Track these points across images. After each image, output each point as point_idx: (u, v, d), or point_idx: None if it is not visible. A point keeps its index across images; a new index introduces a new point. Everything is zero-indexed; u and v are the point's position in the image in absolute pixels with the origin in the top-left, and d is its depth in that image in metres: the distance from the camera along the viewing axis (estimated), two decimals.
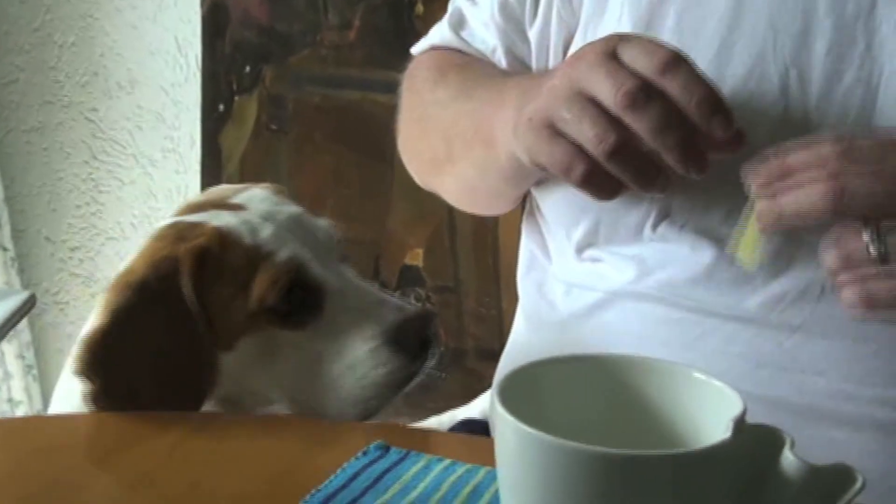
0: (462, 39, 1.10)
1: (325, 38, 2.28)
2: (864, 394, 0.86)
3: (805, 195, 0.74)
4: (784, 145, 0.76)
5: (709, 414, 0.57)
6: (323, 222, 0.97)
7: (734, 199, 0.88)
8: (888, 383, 0.86)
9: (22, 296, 0.69)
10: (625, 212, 0.93)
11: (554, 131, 0.81)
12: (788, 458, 0.54)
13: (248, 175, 2.34)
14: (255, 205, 0.95)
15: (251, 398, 0.93)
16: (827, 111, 0.87)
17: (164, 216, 2.44)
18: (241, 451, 0.80)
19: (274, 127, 2.33)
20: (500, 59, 1.05)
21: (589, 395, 0.61)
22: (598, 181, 0.80)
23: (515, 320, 1.09)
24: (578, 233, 0.97)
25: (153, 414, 0.91)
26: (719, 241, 0.89)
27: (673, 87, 0.76)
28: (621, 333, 0.93)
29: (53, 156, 2.50)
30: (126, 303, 0.87)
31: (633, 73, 0.77)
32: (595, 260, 0.97)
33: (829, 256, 0.75)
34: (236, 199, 0.96)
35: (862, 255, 0.73)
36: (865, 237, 0.73)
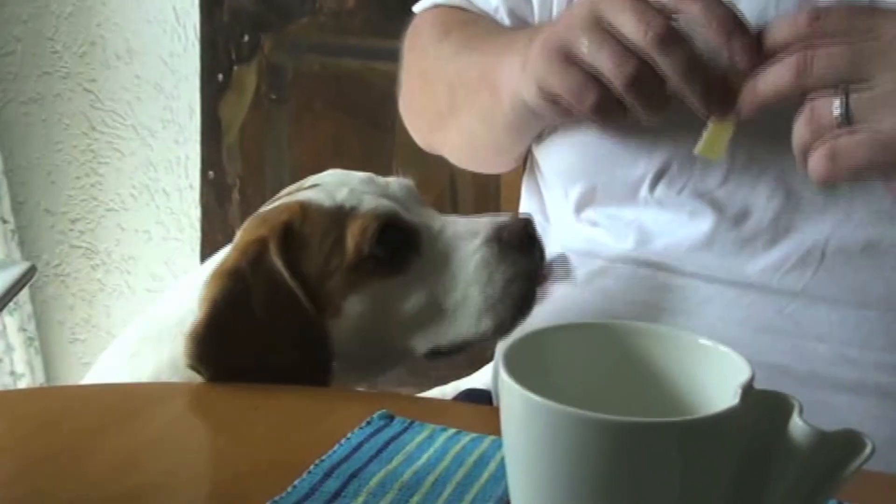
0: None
1: (324, 5, 2.27)
2: (866, 359, 0.86)
3: (775, 72, 0.75)
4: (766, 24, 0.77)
5: (716, 380, 0.57)
6: (394, 178, 0.97)
7: (731, 161, 0.88)
8: (890, 348, 0.86)
9: (22, 266, 0.68)
10: (622, 171, 0.93)
11: (568, 59, 0.81)
12: (797, 424, 0.54)
13: (247, 144, 2.33)
14: (326, 179, 0.95)
15: (371, 364, 0.93)
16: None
17: (164, 186, 2.43)
18: (244, 421, 0.79)
19: (273, 96, 2.32)
20: (503, 18, 1.05)
21: (595, 362, 0.61)
22: (609, 109, 0.81)
23: None
24: (576, 192, 0.97)
25: (154, 384, 0.90)
26: (718, 207, 0.89)
27: (694, 10, 0.78)
28: (621, 300, 0.93)
29: (52, 127, 2.49)
30: (223, 291, 0.86)
31: (659, 10, 0.78)
32: (594, 224, 0.97)
33: (799, 130, 0.75)
34: (309, 182, 0.96)
35: (829, 122, 0.74)
36: (834, 104, 0.73)
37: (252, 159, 2.34)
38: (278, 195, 0.97)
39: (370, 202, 0.91)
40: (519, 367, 0.55)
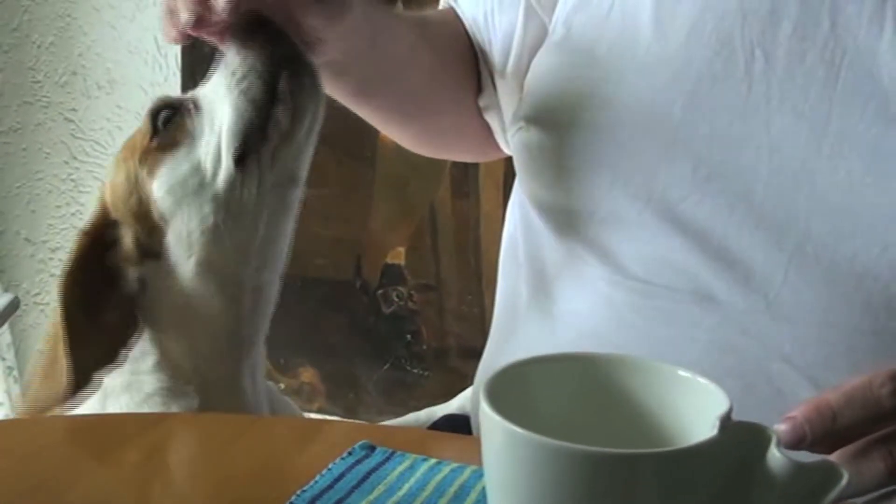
0: None
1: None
2: (828, 380, 0.86)
3: (863, 474, 0.62)
4: (831, 389, 0.64)
5: (695, 412, 0.57)
6: None
7: (692, 178, 0.89)
8: (851, 369, 0.86)
9: (5, 299, 0.68)
10: (580, 187, 0.94)
11: None
12: (775, 456, 0.54)
13: None
14: None
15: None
16: (789, 91, 0.88)
17: None
18: (224, 452, 0.79)
19: None
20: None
21: (575, 394, 0.61)
22: None
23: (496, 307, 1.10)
24: (542, 209, 0.99)
25: (135, 414, 0.90)
26: (680, 225, 0.90)
27: None
28: (589, 321, 0.93)
29: (32, 156, 2.49)
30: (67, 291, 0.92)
31: None
32: (565, 245, 0.98)
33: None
34: None
35: None
36: None
37: None
38: None
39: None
40: (500, 398, 0.55)
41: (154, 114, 0.97)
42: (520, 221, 1.04)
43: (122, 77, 2.42)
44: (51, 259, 2.52)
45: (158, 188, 0.94)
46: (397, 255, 2.27)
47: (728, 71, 0.89)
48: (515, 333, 1.02)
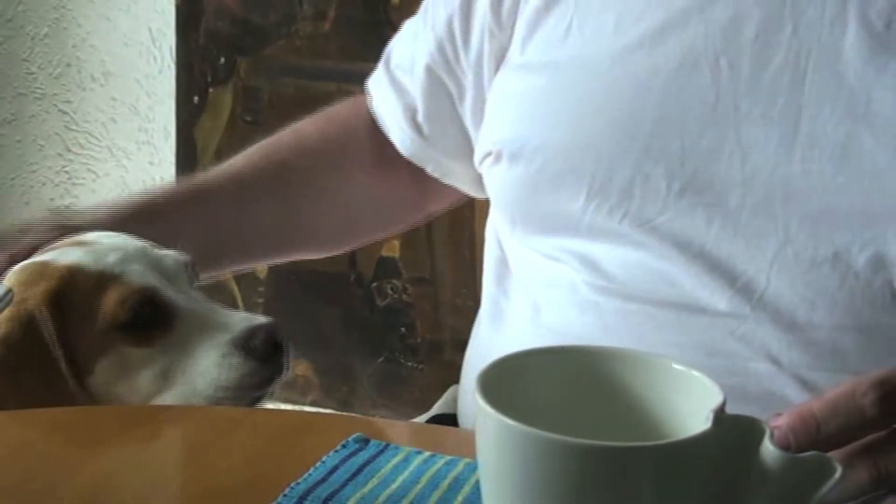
0: (391, 73, 1.14)
1: (300, 28, 2.28)
2: (816, 380, 0.87)
3: (847, 482, 0.61)
4: (815, 397, 0.63)
5: (689, 405, 0.57)
6: (171, 252, 0.99)
7: (668, 189, 0.90)
8: (837, 368, 0.86)
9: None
10: (554, 197, 0.94)
11: None
12: (768, 449, 0.54)
13: None
14: (103, 240, 0.98)
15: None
16: (757, 97, 0.88)
17: None
18: (218, 445, 0.79)
19: (249, 119, 2.33)
20: (419, 78, 1.10)
21: (569, 386, 0.61)
22: None
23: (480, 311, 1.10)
24: (514, 221, 1.00)
25: (127, 408, 0.90)
26: (659, 236, 0.90)
27: None
28: (574, 326, 0.94)
29: (26, 148, 2.49)
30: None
31: None
32: (544, 255, 0.98)
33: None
34: (86, 238, 0.99)
35: None
36: None
37: None
38: (58, 243, 0.99)
39: (135, 273, 0.94)
40: (494, 391, 0.55)
41: (138, 304, 0.93)
42: (500, 228, 1.04)
43: (117, 69, 2.42)
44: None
45: (100, 374, 0.93)
46: (392, 248, 2.27)
47: (694, 81, 0.90)
48: (498, 336, 1.02)
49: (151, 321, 0.93)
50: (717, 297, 0.88)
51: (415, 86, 1.11)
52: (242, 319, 0.95)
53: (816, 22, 0.88)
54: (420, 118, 1.12)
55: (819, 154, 0.86)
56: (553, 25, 0.97)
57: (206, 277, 1.05)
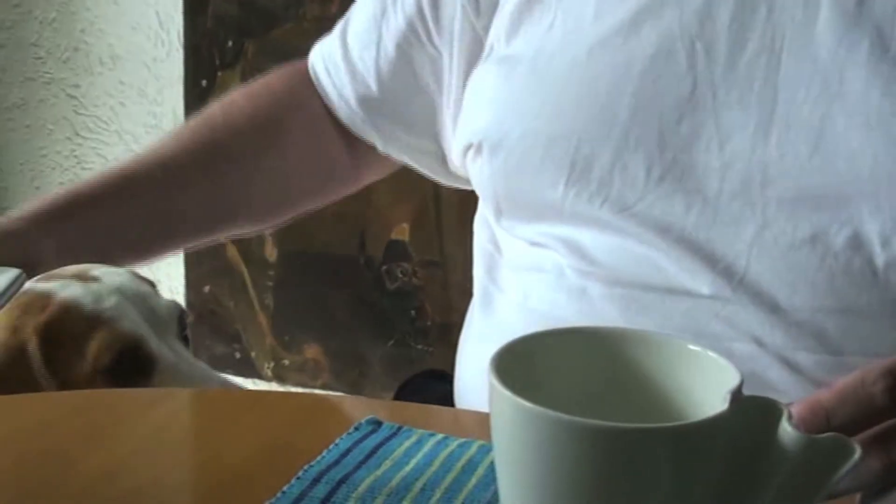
0: (346, 46, 1.15)
1: (308, 11, 2.27)
2: (799, 360, 0.87)
3: (859, 472, 0.60)
4: (824, 388, 0.63)
5: (706, 385, 0.57)
6: (167, 301, 1.02)
7: (647, 176, 0.90)
8: (819, 349, 0.87)
9: (11, 274, 0.68)
10: (533, 181, 0.95)
11: None
12: (786, 430, 0.54)
13: None
14: (108, 278, 0.99)
15: None
16: (733, 82, 0.89)
17: None
18: (232, 427, 0.79)
19: None
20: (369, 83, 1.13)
21: (583, 367, 0.61)
22: None
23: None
24: (496, 206, 1.00)
25: (142, 391, 0.90)
26: (639, 221, 0.90)
27: None
28: (563, 311, 0.94)
29: (36, 133, 2.49)
30: None
31: None
32: (527, 241, 0.98)
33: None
34: (95, 272, 1.00)
35: None
36: None
37: None
38: (57, 271, 1.00)
39: (126, 320, 0.96)
40: (508, 373, 0.55)
41: (121, 352, 0.95)
42: (486, 217, 1.05)
43: (125, 52, 2.42)
44: None
45: None
46: (401, 231, 2.27)
47: (670, 68, 0.90)
48: (489, 323, 1.02)
49: (133, 369, 0.95)
50: (700, 281, 0.89)
51: (379, 61, 1.12)
52: (217, 383, 0.98)
53: (790, 3, 0.88)
54: (375, 92, 1.13)
55: (795, 136, 0.86)
56: (538, 19, 0.97)
57: (140, 263, 1.08)
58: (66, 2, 2.42)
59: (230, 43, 2.34)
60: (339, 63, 1.15)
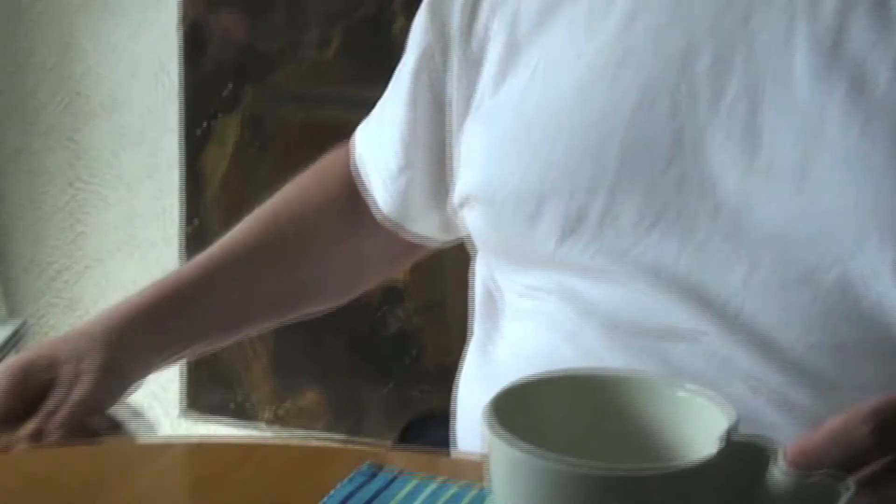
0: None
1: (306, 55, 2.29)
2: (794, 399, 0.88)
3: None
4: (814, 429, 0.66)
5: (700, 427, 0.58)
6: None
7: (638, 221, 0.91)
8: (817, 387, 0.88)
9: (13, 325, 0.69)
10: (524, 230, 0.95)
11: None
12: (777, 472, 0.55)
13: (230, 195, 2.33)
14: None
15: None
16: (717, 127, 0.89)
17: (148, 238, 2.42)
18: (230, 476, 0.80)
19: (255, 146, 2.33)
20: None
21: (581, 411, 0.62)
22: None
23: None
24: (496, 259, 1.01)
25: (139, 444, 0.91)
26: (633, 265, 0.91)
27: None
28: (558, 354, 0.94)
29: (36, 179, 2.50)
30: None
31: None
32: (529, 287, 0.99)
33: None
34: None
35: None
36: None
37: (234, 210, 2.34)
38: None
39: None
40: (505, 417, 0.56)
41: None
42: (483, 264, 1.06)
43: (124, 98, 2.43)
44: (54, 282, 2.53)
45: None
46: (399, 274, 2.27)
47: (656, 115, 0.90)
48: (486, 366, 1.03)
49: None
50: (694, 324, 0.89)
51: (399, 135, 1.11)
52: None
53: (768, 46, 0.89)
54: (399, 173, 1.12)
55: (779, 177, 0.87)
56: (523, 66, 0.98)
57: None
58: (66, 48, 2.44)
59: (229, 87, 2.35)
60: (375, 145, 1.15)
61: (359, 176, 1.16)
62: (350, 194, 1.17)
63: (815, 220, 0.86)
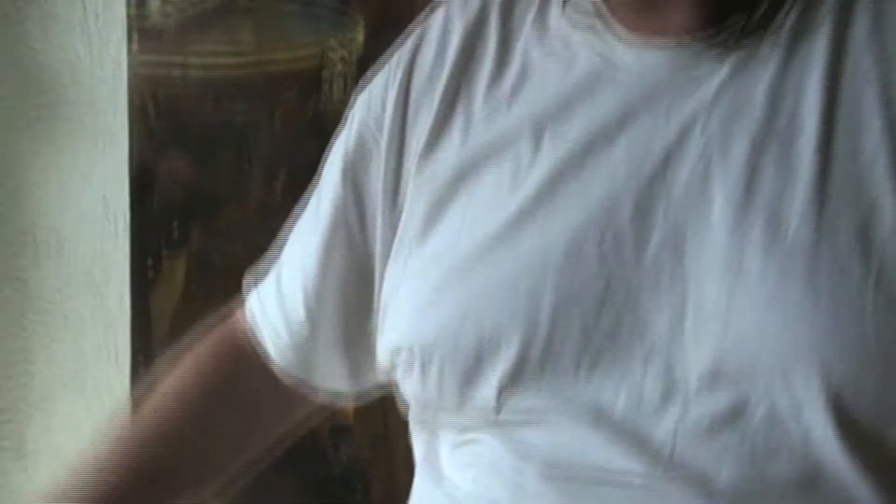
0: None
1: (253, 193, 2.31)
2: None
3: None
4: None
5: None
6: None
7: (576, 365, 0.93)
8: None
9: None
10: (464, 389, 0.97)
11: None
12: None
13: (178, 334, 2.34)
14: None
15: None
16: (645, 273, 0.92)
17: (95, 376, 2.40)
18: None
19: (204, 285, 2.34)
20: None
21: None
22: None
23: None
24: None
25: None
26: (575, 406, 0.93)
27: None
28: (497, 495, 0.96)
29: None
30: None
31: None
32: (467, 434, 1.00)
33: None
34: None
35: None
36: None
37: (183, 349, 2.35)
38: None
39: None
40: None
41: None
42: (418, 417, 1.07)
43: (72, 238, 2.43)
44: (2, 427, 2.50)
45: None
46: (345, 411, 2.27)
47: (584, 263, 0.93)
48: (430, 500, 1.04)
49: None
50: (631, 464, 0.91)
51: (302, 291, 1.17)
52: None
53: (686, 194, 0.92)
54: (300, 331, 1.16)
55: (707, 320, 0.90)
56: (451, 216, 1.00)
57: None
58: (14, 191, 2.45)
59: (176, 226, 2.36)
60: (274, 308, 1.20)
61: (254, 334, 1.20)
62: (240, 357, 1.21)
63: (742, 358, 0.89)
